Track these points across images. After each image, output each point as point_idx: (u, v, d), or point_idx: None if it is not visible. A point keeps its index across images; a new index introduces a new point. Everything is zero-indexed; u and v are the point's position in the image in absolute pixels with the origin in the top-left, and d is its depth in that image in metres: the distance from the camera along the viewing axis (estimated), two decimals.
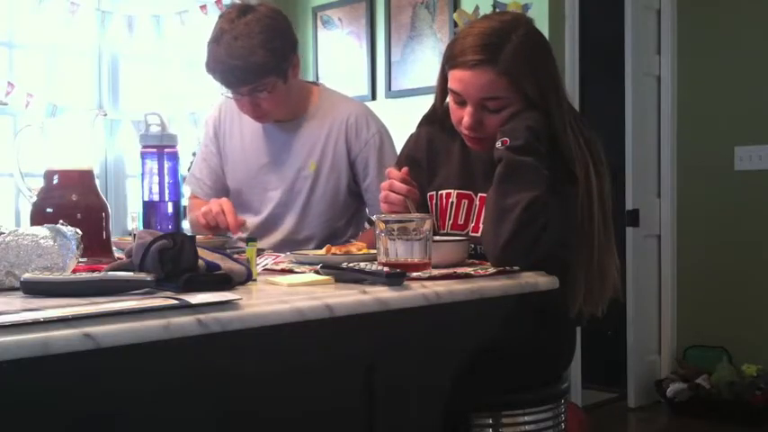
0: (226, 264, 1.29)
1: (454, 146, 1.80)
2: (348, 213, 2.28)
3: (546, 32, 3.53)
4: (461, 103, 1.67)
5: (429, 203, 1.79)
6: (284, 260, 1.65)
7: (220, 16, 2.08)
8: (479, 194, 1.72)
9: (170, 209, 1.75)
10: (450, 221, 1.76)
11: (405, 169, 1.74)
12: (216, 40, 2.04)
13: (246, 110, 2.15)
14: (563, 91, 1.68)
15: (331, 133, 2.20)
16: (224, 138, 2.32)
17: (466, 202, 1.75)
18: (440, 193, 1.78)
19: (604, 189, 1.65)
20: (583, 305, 1.63)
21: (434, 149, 1.83)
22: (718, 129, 4.06)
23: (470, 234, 1.72)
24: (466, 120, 1.66)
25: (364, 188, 2.24)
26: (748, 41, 3.98)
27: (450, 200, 1.76)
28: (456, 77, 1.65)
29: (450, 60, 1.66)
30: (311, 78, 4.38)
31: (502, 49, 1.60)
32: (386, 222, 1.43)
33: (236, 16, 2.03)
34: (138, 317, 1.01)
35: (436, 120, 1.83)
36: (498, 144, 1.60)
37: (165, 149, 1.74)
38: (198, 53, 4.56)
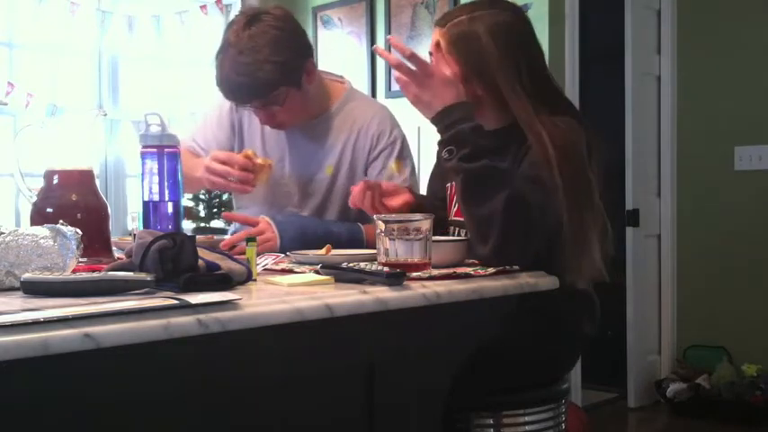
0: (226, 264, 1.29)
1: None
2: (362, 215, 2.26)
3: (546, 32, 3.53)
4: None
5: (448, 193, 1.82)
6: (284, 260, 1.65)
7: (228, 26, 2.01)
8: None
9: (170, 209, 1.75)
10: (456, 208, 1.76)
11: (361, 184, 1.78)
12: (222, 53, 1.98)
13: (262, 120, 2.10)
14: (501, 61, 1.67)
15: (350, 138, 2.15)
16: (242, 121, 2.22)
17: None
18: (452, 183, 1.79)
19: (571, 149, 1.57)
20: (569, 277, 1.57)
21: None
22: (718, 129, 4.06)
23: None
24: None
25: None
26: (748, 42, 3.98)
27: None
28: None
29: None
30: None
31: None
32: (386, 222, 1.43)
33: (241, 28, 1.95)
34: (138, 317, 1.01)
35: None
36: (444, 154, 1.58)
37: (165, 149, 1.73)
38: (198, 53, 4.57)
